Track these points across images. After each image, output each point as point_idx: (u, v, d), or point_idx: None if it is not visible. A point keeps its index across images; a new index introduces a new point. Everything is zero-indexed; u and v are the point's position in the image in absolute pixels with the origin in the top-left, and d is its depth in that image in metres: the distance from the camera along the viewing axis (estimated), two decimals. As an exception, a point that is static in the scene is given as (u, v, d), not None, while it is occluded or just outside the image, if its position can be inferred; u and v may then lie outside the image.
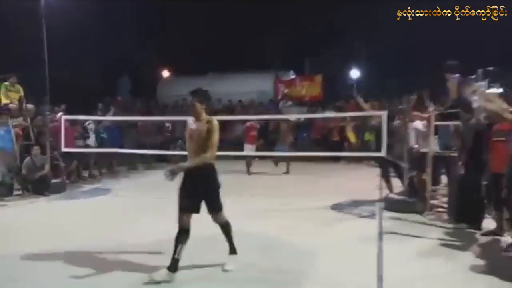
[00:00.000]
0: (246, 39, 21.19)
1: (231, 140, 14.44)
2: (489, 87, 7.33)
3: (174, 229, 5.61)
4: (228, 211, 6.71)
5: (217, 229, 5.63)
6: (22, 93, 9.68)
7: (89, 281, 4.05)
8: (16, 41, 14.07)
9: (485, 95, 5.01)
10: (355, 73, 24.39)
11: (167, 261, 4.51)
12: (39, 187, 8.32)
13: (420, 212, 6.35)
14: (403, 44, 17.18)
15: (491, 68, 7.61)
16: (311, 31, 21.71)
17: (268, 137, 14.39)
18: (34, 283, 4.00)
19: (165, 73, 21.36)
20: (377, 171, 10.60)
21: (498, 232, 5.04)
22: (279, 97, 16.76)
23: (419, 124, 6.96)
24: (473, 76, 7.82)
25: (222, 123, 14.72)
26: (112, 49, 18.38)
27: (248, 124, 11.55)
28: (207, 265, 4.45)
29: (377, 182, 7.96)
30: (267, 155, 13.48)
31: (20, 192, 8.38)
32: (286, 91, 16.75)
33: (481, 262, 4.39)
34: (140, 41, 20.66)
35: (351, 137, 13.44)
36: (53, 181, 8.62)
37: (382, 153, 7.52)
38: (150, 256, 4.70)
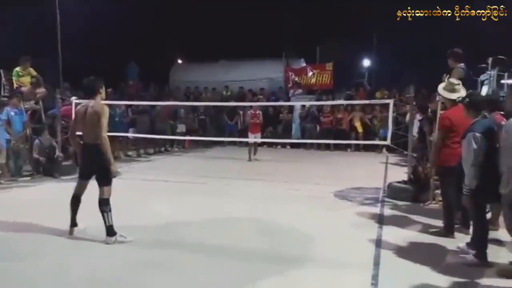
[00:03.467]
0: (258, 26, 21.10)
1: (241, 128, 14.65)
2: (498, 76, 7.29)
3: (179, 212, 5.84)
4: (233, 196, 6.92)
5: (220, 214, 5.82)
6: (34, 73, 9.80)
7: (90, 258, 4.20)
8: (29, 28, 14.28)
9: (448, 83, 4.94)
10: (366, 62, 24.21)
11: (168, 241, 4.68)
12: (49, 168, 8.53)
13: (422, 201, 6.36)
14: (417, 34, 16.93)
15: (502, 57, 7.54)
16: (324, 18, 21.51)
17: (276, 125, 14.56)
18: (37, 259, 4.16)
19: (178, 59, 21.44)
20: (381, 159, 10.68)
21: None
22: (289, 85, 16.74)
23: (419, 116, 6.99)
24: (484, 65, 7.78)
25: (232, 110, 14.99)
26: (123, 35, 18.53)
27: (250, 112, 11.56)
28: (210, 247, 4.55)
29: (382, 170, 7.98)
30: (273, 142, 13.63)
31: (30, 173, 8.60)
32: (296, 79, 16.72)
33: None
34: (153, 27, 20.74)
35: (358, 126, 13.49)
36: (64, 163, 8.80)
37: (388, 142, 7.58)
38: (153, 237, 4.82)
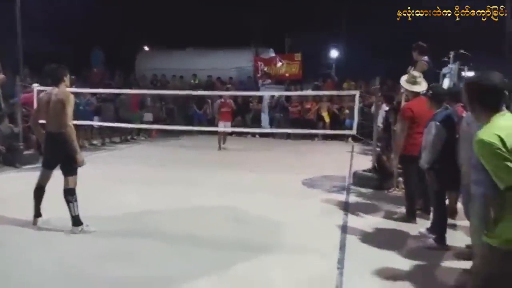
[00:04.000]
0: (226, 15, 20.92)
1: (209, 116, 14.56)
2: (459, 69, 7.58)
3: (146, 202, 5.78)
4: (202, 185, 6.92)
5: (189, 203, 5.81)
6: None
7: (55, 249, 4.12)
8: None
9: (410, 76, 5.17)
10: (334, 53, 24.54)
11: (136, 231, 4.65)
12: (10, 158, 8.22)
13: (386, 189, 6.59)
14: (386, 24, 17.26)
15: (462, 51, 7.83)
16: (292, 9, 21.57)
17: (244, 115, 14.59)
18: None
19: (144, 46, 20.98)
20: (348, 148, 10.92)
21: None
22: (258, 75, 16.76)
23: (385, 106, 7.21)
24: (445, 59, 8.06)
25: (201, 99, 14.71)
26: (88, 20, 17.93)
27: (219, 101, 11.49)
28: (179, 236, 4.55)
29: (348, 158, 8.17)
30: (243, 131, 13.64)
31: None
32: (265, 69, 16.75)
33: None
34: (119, 13, 20.16)
35: (325, 116, 13.74)
36: (25, 152, 8.51)
37: (354, 131, 7.76)
38: (120, 227, 4.77)
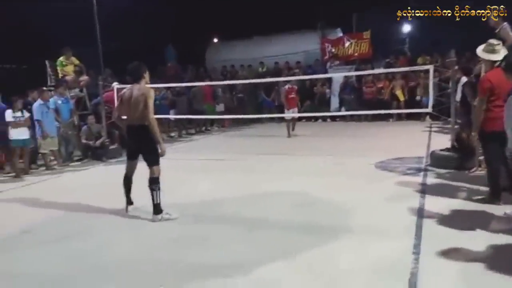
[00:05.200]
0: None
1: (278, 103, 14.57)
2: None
3: (219, 189, 6.00)
4: (271, 171, 7.02)
5: (259, 189, 5.91)
6: (77, 62, 10.23)
7: (135, 236, 4.45)
8: (68, 17, 14.76)
9: (488, 44, 4.66)
10: (406, 27, 23.13)
11: (210, 217, 4.83)
12: (97, 153, 8.97)
13: (467, 169, 6.17)
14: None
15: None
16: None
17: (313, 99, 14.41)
18: (89, 236, 4.45)
19: (213, 39, 21.48)
20: (424, 127, 10.35)
21: None
22: (326, 57, 16.42)
23: (465, 79, 6.70)
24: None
25: (269, 86, 14.58)
26: (159, 17, 18.74)
27: (286, 87, 11.33)
28: (249, 221, 4.68)
29: (425, 138, 7.77)
30: (312, 116, 13.44)
31: (80, 158, 9.09)
32: (333, 50, 16.34)
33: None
34: (187, 8, 20.83)
35: (400, 95, 13.11)
36: (110, 147, 9.21)
37: (429, 109, 7.35)
38: (195, 212, 5.00)
